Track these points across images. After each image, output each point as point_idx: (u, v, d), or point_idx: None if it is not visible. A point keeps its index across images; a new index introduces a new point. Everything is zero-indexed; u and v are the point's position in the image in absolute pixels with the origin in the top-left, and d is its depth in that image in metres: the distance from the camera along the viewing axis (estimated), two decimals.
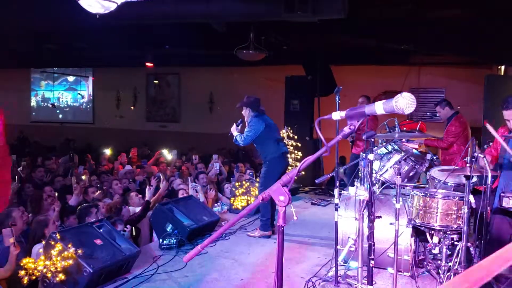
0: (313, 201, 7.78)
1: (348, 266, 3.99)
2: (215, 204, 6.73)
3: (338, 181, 3.60)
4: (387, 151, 4.08)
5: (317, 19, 6.75)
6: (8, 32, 8.66)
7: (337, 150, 3.94)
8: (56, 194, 6.49)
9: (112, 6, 5.67)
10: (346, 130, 1.60)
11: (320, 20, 6.92)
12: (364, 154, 3.18)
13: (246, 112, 5.74)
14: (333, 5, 6.46)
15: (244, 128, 5.78)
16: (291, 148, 8.67)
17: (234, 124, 5.82)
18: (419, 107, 11.58)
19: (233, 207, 6.83)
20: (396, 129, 3.93)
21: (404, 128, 10.57)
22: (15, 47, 10.67)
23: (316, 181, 3.84)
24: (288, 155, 6.10)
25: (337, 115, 1.62)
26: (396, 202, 3.24)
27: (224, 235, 5.83)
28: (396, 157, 3.90)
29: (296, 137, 8.74)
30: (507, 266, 0.82)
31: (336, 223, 3.67)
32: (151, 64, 11.53)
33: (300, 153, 8.65)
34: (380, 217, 3.13)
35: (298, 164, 7.88)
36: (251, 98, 5.79)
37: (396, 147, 4.09)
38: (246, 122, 5.75)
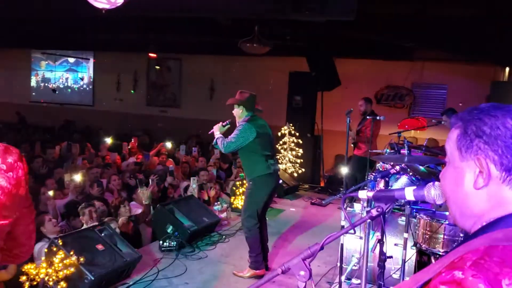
0: (312, 201, 7.77)
1: (351, 283, 4.00)
2: (216, 203, 6.71)
3: (344, 203, 3.56)
4: (395, 172, 4.06)
5: (324, 19, 6.64)
6: (8, 15, 8.51)
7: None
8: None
9: (119, 1, 5.56)
10: (374, 212, 1.57)
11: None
12: (372, 176, 3.14)
13: (238, 112, 4.72)
14: (342, 6, 6.34)
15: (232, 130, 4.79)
16: (292, 144, 8.65)
17: (220, 122, 4.82)
18: (421, 102, 11.61)
19: (233, 206, 6.81)
20: (405, 146, 3.90)
21: (406, 126, 10.54)
22: (15, 28, 10.50)
23: (323, 202, 3.82)
24: (278, 173, 5.02)
25: (363, 194, 1.59)
26: (405, 232, 3.22)
27: (223, 237, 5.83)
28: (404, 178, 3.89)
29: (297, 134, 8.69)
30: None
31: (341, 246, 3.66)
32: (155, 55, 11.41)
33: (301, 150, 8.62)
34: (382, 242, 3.09)
35: (298, 161, 7.73)
36: (245, 94, 4.74)
37: (403, 166, 4.07)
38: (237, 123, 4.78)
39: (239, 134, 4.55)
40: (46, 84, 16.18)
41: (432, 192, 1.28)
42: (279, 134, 8.69)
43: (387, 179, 2.67)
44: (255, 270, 4.69)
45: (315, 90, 9.60)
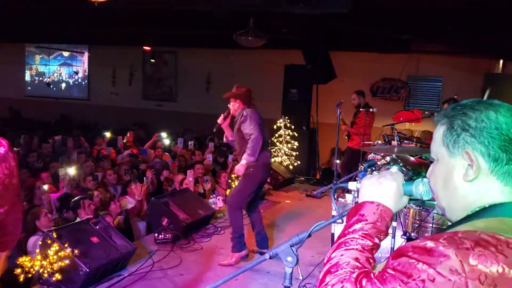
0: (307, 193, 7.80)
1: None
2: (211, 195, 6.74)
3: (335, 195, 3.59)
4: (385, 162, 4.09)
5: (319, 12, 6.64)
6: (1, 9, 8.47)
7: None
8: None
9: None
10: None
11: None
12: (362, 167, 3.18)
13: (235, 105, 4.84)
14: None
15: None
16: (288, 137, 8.67)
17: (222, 115, 4.96)
18: (416, 95, 11.64)
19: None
20: (395, 138, 3.93)
21: (401, 118, 10.54)
22: (9, 22, 10.44)
23: (315, 193, 3.85)
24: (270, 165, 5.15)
25: (353, 186, 1.61)
26: (394, 221, 3.26)
27: (219, 229, 5.86)
28: (394, 169, 3.91)
29: (293, 126, 8.72)
30: None
31: (332, 235, 3.70)
32: (149, 48, 11.38)
33: (296, 143, 8.65)
34: None
35: (294, 154, 7.74)
36: (242, 88, 4.86)
37: (394, 156, 4.11)
38: (236, 117, 4.86)
39: (251, 121, 4.65)
40: (41, 78, 16.12)
41: (420, 188, 1.30)
42: (275, 127, 8.71)
43: (373, 168, 2.70)
44: (239, 253, 4.77)
45: (310, 83, 9.60)
